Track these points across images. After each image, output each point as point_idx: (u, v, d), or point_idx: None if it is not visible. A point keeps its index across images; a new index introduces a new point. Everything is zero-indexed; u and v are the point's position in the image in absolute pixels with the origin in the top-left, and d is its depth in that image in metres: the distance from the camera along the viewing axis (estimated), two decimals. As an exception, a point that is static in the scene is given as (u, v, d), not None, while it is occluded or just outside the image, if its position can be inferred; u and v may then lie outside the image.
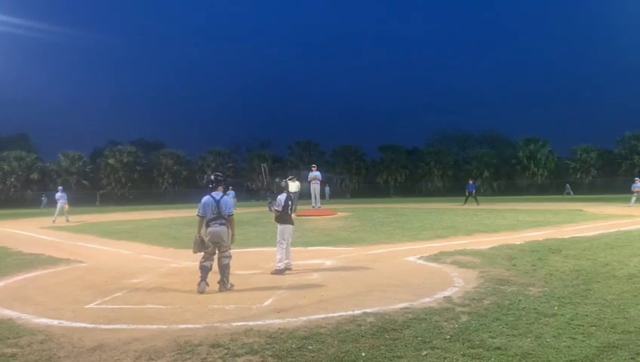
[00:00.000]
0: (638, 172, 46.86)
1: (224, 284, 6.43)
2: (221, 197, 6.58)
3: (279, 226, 7.83)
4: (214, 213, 6.49)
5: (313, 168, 20.52)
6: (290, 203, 7.99)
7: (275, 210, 7.89)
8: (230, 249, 6.68)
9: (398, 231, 13.59)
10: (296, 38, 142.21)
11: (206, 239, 6.49)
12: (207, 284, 6.42)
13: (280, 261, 7.63)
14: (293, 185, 20.73)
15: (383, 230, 14.07)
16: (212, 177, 6.78)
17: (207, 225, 6.52)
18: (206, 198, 6.60)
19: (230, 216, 6.61)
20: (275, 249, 7.82)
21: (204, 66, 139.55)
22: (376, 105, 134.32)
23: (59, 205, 22.07)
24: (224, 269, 6.48)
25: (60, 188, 23.84)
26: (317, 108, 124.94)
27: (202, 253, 6.54)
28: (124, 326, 4.83)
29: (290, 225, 7.92)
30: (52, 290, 6.81)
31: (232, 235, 6.67)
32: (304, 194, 22.37)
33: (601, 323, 4.53)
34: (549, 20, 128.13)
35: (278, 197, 7.88)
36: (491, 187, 60.19)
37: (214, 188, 6.66)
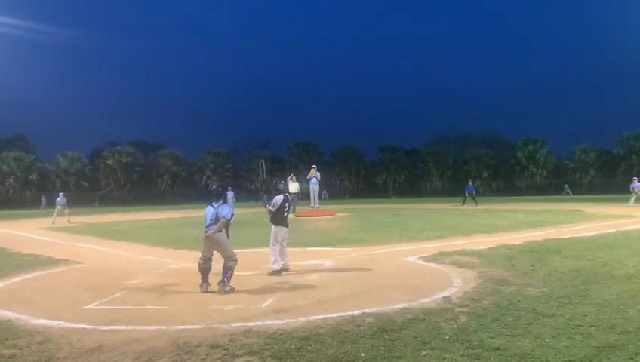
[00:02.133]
0: (636, 172, 46.87)
1: (223, 286, 6.39)
2: (220, 205, 6.70)
3: (273, 228, 7.80)
4: (212, 219, 6.58)
5: (313, 168, 20.57)
6: (286, 205, 7.94)
7: (270, 209, 7.81)
8: (235, 255, 6.63)
9: (397, 232, 13.59)
10: (296, 39, 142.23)
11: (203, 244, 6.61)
12: (210, 284, 6.50)
13: (275, 262, 7.61)
14: (293, 186, 20.78)
15: (382, 230, 14.07)
16: (213, 188, 6.89)
17: (205, 231, 6.58)
18: (208, 208, 6.77)
19: (224, 218, 6.55)
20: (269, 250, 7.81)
21: (203, 67, 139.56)
22: (375, 105, 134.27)
23: (58, 209, 22.37)
24: (226, 271, 6.47)
25: (60, 193, 24.52)
26: (316, 109, 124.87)
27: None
28: (124, 327, 4.83)
29: (285, 228, 7.86)
30: (51, 291, 6.80)
31: (216, 229, 6.48)
32: (304, 195, 22.40)
33: (600, 323, 4.53)
34: (548, 21, 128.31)
35: (275, 197, 7.81)
36: (490, 187, 60.21)
37: (217, 199, 6.81)
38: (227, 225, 6.63)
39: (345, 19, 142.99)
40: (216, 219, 6.55)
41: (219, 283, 6.44)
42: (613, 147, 59.45)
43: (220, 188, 7.05)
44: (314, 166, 21.50)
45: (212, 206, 6.72)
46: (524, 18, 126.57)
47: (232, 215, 6.76)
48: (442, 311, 5.10)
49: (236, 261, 6.59)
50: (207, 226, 6.58)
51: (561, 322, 4.59)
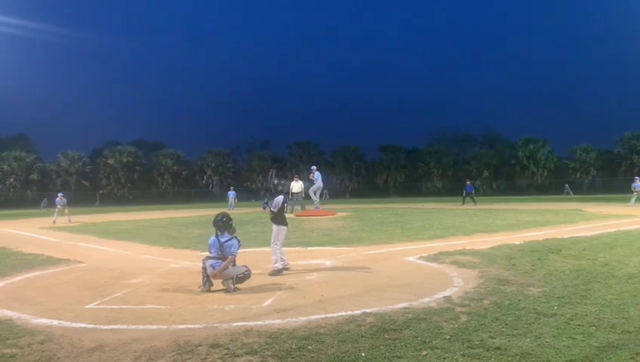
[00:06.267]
0: (637, 172, 46.88)
1: (230, 283, 6.39)
2: (227, 240, 6.58)
3: (274, 227, 7.82)
4: (218, 254, 6.52)
5: (311, 172, 20.60)
6: (285, 205, 8.00)
7: (271, 210, 7.83)
8: (248, 270, 6.59)
9: (397, 231, 13.59)
10: (296, 38, 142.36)
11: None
12: (212, 283, 6.47)
13: (276, 261, 7.62)
14: (297, 186, 20.81)
15: (382, 230, 14.07)
16: (218, 218, 6.70)
17: (208, 258, 6.55)
18: (212, 239, 6.68)
19: (232, 255, 6.53)
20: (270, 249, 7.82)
21: (204, 66, 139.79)
22: (375, 105, 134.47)
23: (58, 208, 22.41)
24: (240, 276, 6.49)
25: (60, 194, 24.44)
26: (317, 108, 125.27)
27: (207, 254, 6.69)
28: (124, 327, 4.83)
29: (285, 227, 7.88)
30: (51, 291, 6.80)
31: (223, 268, 6.44)
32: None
33: (601, 323, 4.53)
34: (549, 20, 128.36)
35: (276, 198, 7.82)
36: (491, 187, 60.27)
37: (223, 231, 6.65)
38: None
39: (345, 20, 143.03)
40: (222, 255, 6.47)
41: (226, 281, 6.44)
42: (614, 146, 59.56)
43: (224, 219, 6.70)
44: (313, 167, 21.30)
45: (217, 238, 6.60)
46: (525, 18, 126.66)
47: (240, 246, 6.69)
48: (443, 310, 5.09)
49: (249, 273, 6.55)
50: (210, 259, 6.49)
51: (562, 322, 4.59)
